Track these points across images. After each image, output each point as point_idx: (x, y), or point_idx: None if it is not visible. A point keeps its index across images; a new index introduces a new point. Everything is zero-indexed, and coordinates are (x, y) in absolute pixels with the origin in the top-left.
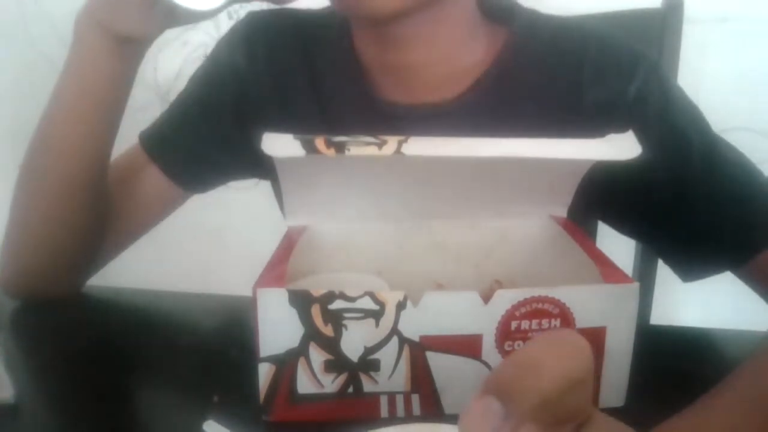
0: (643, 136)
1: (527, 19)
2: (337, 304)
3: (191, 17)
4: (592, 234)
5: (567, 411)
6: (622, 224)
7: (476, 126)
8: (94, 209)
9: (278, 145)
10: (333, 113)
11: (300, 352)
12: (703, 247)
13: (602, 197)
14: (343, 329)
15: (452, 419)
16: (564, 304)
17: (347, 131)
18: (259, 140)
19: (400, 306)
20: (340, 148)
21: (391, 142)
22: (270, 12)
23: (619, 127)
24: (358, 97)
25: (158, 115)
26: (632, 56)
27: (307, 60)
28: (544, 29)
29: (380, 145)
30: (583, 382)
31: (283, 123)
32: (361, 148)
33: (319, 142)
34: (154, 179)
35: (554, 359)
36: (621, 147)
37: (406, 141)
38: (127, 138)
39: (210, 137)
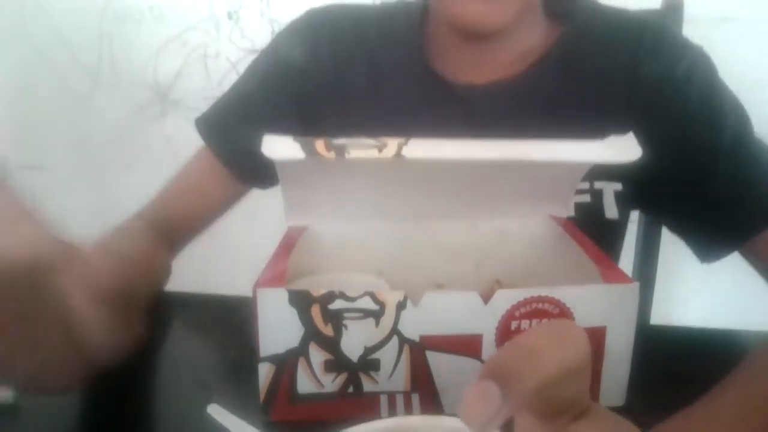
0: (685, 112)
1: (587, 8)
2: (337, 304)
3: None
4: None
5: (564, 400)
6: (648, 200)
7: (539, 101)
8: None
9: (278, 147)
10: (396, 106)
11: (300, 351)
12: (718, 223)
13: (634, 172)
14: (343, 329)
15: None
16: (564, 304)
17: (411, 127)
18: (319, 135)
19: (400, 306)
20: (340, 151)
21: (391, 145)
22: (330, 7)
23: (667, 102)
24: (424, 80)
25: (159, 112)
26: (684, 42)
27: (370, 55)
28: (604, 14)
29: (380, 148)
30: (580, 372)
31: (343, 119)
32: (361, 150)
33: (319, 145)
34: (215, 174)
35: (552, 347)
36: (621, 149)
37: (406, 144)
38: (126, 138)
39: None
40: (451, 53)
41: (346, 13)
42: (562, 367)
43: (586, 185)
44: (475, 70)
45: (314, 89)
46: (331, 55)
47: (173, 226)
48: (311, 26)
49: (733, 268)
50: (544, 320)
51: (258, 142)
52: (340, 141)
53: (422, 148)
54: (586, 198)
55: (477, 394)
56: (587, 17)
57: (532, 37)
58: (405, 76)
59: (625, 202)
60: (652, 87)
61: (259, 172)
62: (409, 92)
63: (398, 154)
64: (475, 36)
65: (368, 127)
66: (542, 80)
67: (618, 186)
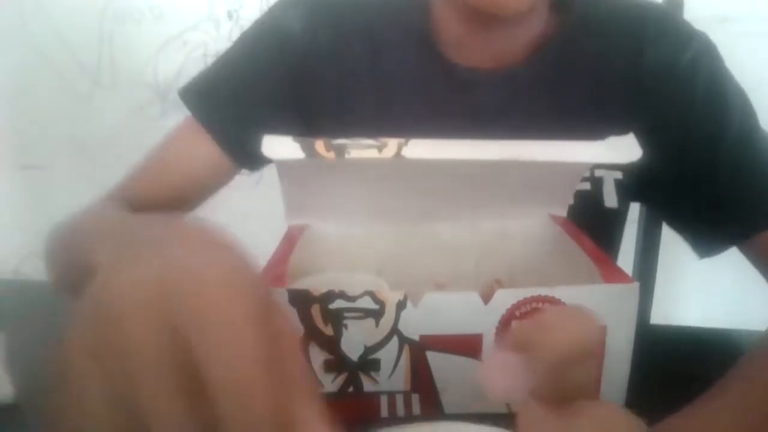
0: (690, 102)
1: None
2: (337, 304)
3: None
4: None
5: (573, 384)
6: (646, 191)
7: (542, 89)
8: None
9: (278, 147)
10: (398, 88)
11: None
12: (718, 217)
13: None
14: (343, 329)
15: (453, 419)
16: (564, 303)
17: (413, 110)
18: (314, 114)
19: (400, 306)
20: (339, 151)
21: (391, 145)
22: None
23: (671, 89)
24: (430, 63)
25: (159, 112)
26: (689, 29)
27: (371, 34)
28: (605, 2)
29: (380, 148)
30: (592, 354)
31: (342, 100)
32: (361, 151)
33: (319, 145)
34: (205, 152)
35: (570, 325)
36: (621, 149)
37: (406, 144)
38: (126, 138)
39: (266, 111)
40: (455, 37)
41: None
42: (578, 343)
43: (586, 173)
44: (480, 55)
45: (311, 67)
46: (329, 32)
47: (155, 207)
48: (308, 1)
49: (733, 268)
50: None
51: (252, 121)
52: (340, 141)
53: (422, 149)
54: (586, 186)
55: (498, 364)
56: (588, 4)
57: (536, 25)
58: (408, 58)
59: (625, 191)
60: (655, 76)
61: (252, 152)
62: (411, 74)
63: (398, 155)
64: (494, 21)
65: (368, 109)
66: (545, 68)
67: (618, 175)
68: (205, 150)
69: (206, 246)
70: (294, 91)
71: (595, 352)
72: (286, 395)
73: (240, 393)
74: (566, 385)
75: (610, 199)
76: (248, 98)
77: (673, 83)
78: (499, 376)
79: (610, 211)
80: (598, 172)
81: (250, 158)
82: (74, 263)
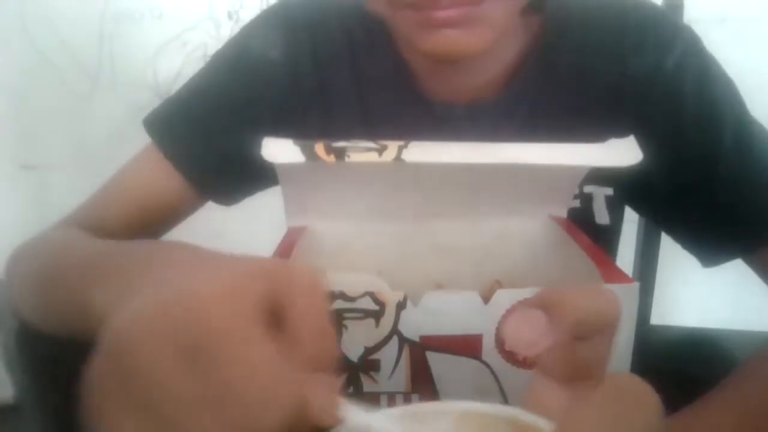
0: (680, 109)
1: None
2: (337, 304)
3: None
4: None
5: (585, 358)
6: (644, 204)
7: (524, 116)
8: None
9: (278, 150)
10: (378, 114)
11: None
12: (723, 228)
13: (627, 176)
14: (343, 329)
15: None
16: None
17: (393, 133)
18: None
19: (400, 306)
20: (339, 154)
21: (391, 148)
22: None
23: (659, 98)
24: (407, 98)
25: None
26: (672, 28)
27: (355, 62)
28: (579, 6)
29: (380, 151)
30: (608, 331)
31: (322, 123)
32: (361, 154)
33: (319, 148)
34: (169, 183)
35: (592, 295)
36: (621, 152)
37: (406, 147)
38: (126, 138)
39: (239, 141)
40: (427, 76)
41: (326, 6)
42: (598, 312)
43: (575, 190)
44: (455, 92)
45: (293, 93)
46: (313, 55)
47: (115, 238)
48: (289, 19)
49: (733, 269)
50: None
51: (222, 152)
52: (340, 144)
53: (422, 152)
54: (576, 203)
55: (522, 318)
56: (567, 9)
57: (509, 50)
58: (389, 92)
59: (617, 205)
60: (642, 83)
61: (221, 186)
62: (393, 112)
63: (398, 158)
64: (451, 63)
65: (351, 137)
66: (524, 93)
67: (609, 191)
68: (169, 182)
69: (197, 265)
70: (271, 123)
71: (612, 328)
72: (305, 381)
73: (261, 398)
74: (578, 358)
75: (602, 216)
76: (219, 129)
77: (661, 90)
78: (522, 329)
79: (602, 228)
80: (587, 189)
81: (220, 193)
82: (64, 299)
